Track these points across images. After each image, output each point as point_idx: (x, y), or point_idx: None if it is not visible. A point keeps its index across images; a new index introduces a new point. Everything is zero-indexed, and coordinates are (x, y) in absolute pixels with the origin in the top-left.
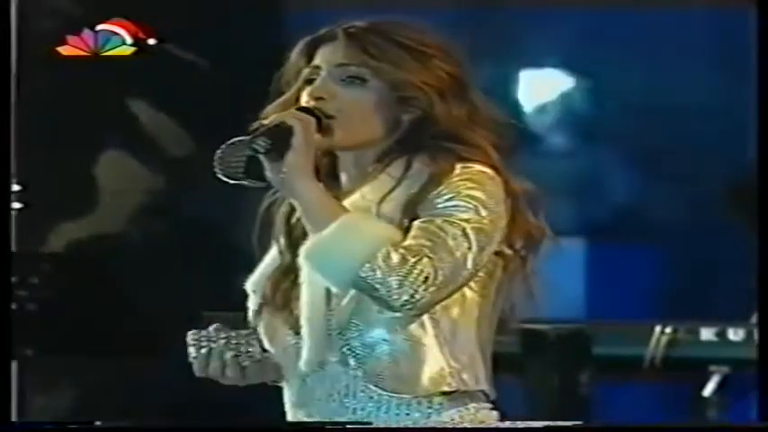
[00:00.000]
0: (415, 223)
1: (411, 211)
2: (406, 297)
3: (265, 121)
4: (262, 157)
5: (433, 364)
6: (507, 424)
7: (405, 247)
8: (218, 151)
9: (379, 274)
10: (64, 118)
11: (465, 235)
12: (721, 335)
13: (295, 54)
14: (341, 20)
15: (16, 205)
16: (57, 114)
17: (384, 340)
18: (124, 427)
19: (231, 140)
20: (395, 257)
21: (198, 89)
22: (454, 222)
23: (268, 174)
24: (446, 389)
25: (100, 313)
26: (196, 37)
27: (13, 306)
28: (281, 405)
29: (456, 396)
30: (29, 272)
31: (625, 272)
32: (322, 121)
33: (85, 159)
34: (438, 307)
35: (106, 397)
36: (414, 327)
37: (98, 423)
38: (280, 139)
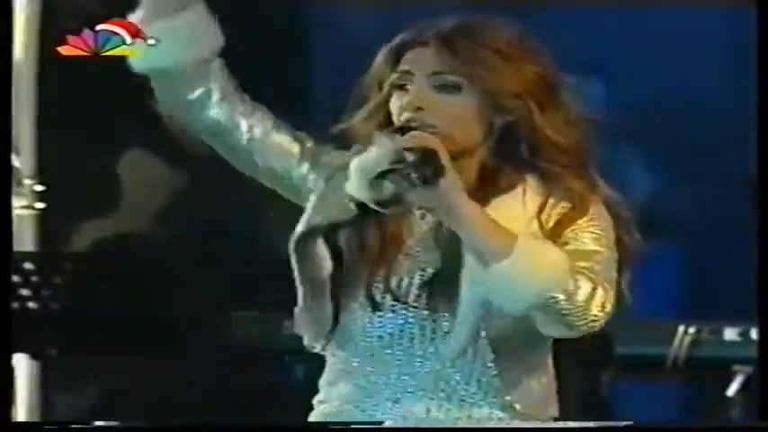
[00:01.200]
0: (571, 249)
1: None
2: (589, 321)
3: (406, 145)
4: (417, 186)
5: (542, 397)
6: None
7: (584, 274)
8: (365, 181)
9: (564, 298)
10: (87, 118)
11: (611, 263)
12: (745, 335)
13: (380, 59)
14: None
15: (40, 205)
16: (79, 114)
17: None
18: (124, 427)
19: (376, 169)
20: (582, 284)
21: None
22: (599, 250)
23: (423, 201)
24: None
25: (123, 313)
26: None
27: (37, 306)
28: (297, 404)
29: None
30: (52, 272)
31: (649, 271)
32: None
33: (108, 159)
34: None
35: (130, 396)
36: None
37: (98, 423)
38: (429, 164)
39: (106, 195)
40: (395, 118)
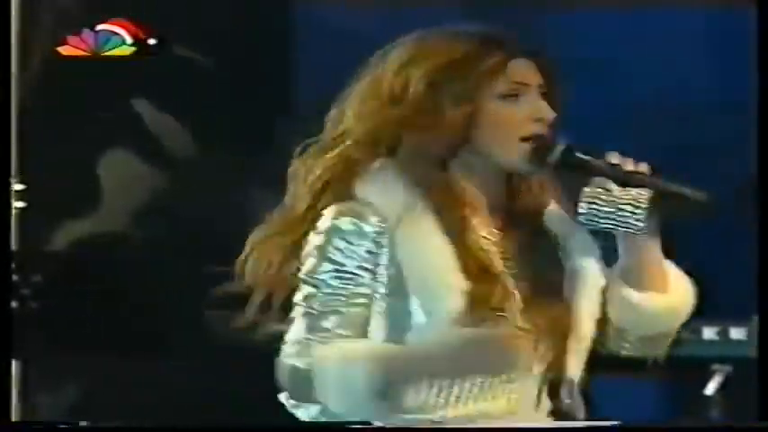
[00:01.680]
0: None
1: None
2: None
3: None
4: (634, 209)
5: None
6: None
7: None
8: (586, 203)
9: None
10: (67, 117)
11: None
12: (723, 334)
13: (485, 64)
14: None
15: (19, 204)
16: (60, 114)
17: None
18: (120, 427)
19: (596, 193)
20: None
21: (199, 88)
22: None
23: (638, 224)
24: None
25: (103, 313)
26: (196, 36)
27: (16, 305)
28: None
29: None
30: (32, 271)
31: None
32: None
33: (88, 159)
34: None
35: (110, 397)
36: None
37: (84, 423)
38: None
39: (87, 194)
40: (513, 127)
